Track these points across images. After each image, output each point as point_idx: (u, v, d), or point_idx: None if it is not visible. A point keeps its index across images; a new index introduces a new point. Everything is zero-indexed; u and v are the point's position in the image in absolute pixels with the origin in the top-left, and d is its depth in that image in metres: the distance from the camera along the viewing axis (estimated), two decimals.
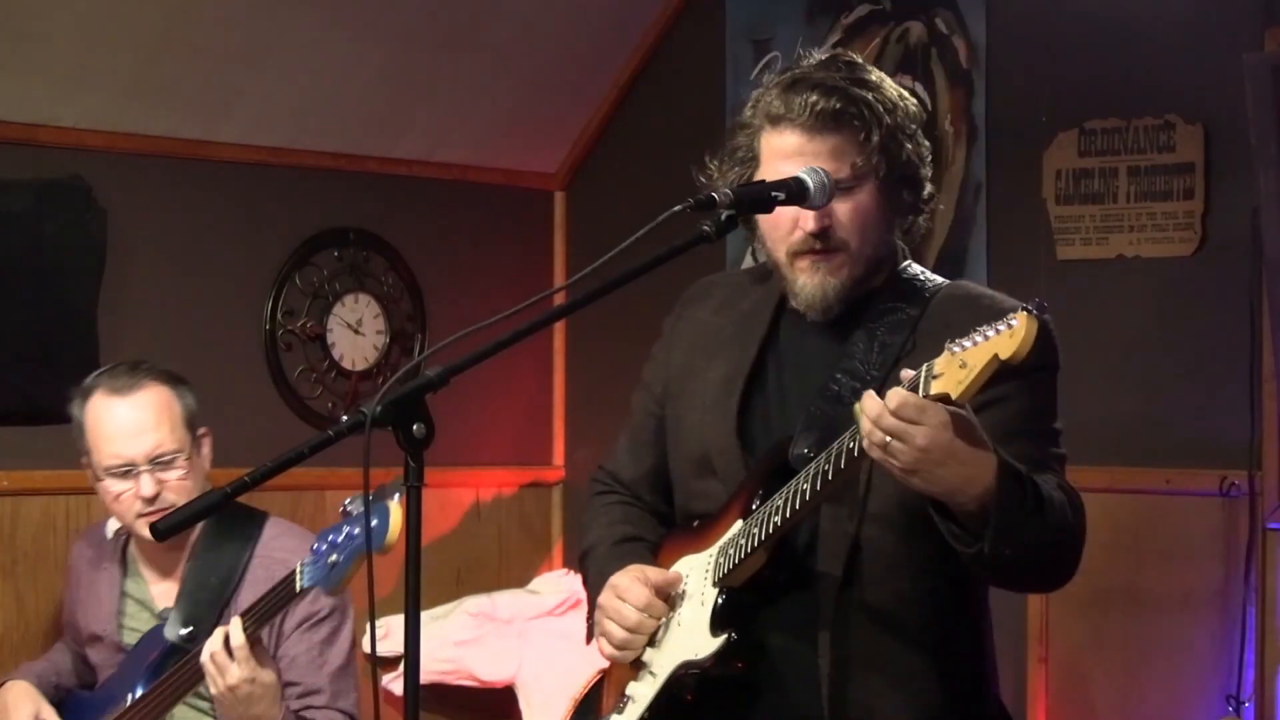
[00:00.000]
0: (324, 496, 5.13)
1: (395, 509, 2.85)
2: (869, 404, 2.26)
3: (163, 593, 3.48)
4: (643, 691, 2.57)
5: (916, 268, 2.63)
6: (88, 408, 3.40)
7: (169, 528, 2.33)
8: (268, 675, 3.16)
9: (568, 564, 5.73)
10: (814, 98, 2.48)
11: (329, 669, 3.38)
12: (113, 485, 3.36)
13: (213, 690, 3.16)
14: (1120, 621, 4.60)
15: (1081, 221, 4.79)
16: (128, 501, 3.35)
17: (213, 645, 3.15)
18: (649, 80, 5.67)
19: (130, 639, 3.47)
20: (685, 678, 2.52)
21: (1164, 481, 4.60)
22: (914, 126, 2.57)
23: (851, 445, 2.31)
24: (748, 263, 5.41)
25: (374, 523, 2.90)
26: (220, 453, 4.77)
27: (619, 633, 2.57)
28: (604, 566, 2.66)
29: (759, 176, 2.54)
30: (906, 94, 2.58)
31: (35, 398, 4.65)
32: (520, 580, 5.58)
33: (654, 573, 2.59)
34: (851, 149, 2.48)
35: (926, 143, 2.59)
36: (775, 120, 2.52)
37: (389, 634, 4.86)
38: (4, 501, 4.67)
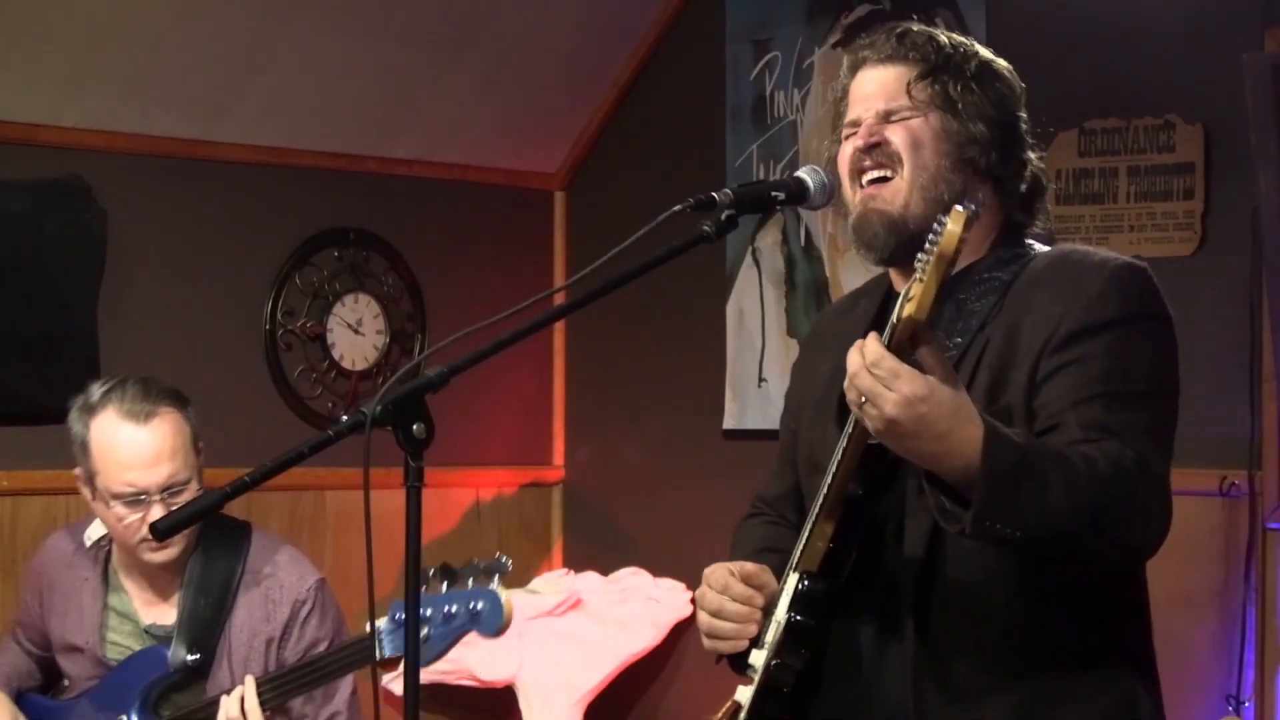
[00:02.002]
0: (324, 496, 5.13)
1: (504, 598, 2.79)
2: (853, 355, 2.18)
3: (147, 605, 3.40)
4: (747, 694, 2.49)
5: (1029, 240, 2.53)
6: (95, 426, 3.26)
7: (168, 528, 2.33)
8: None
9: (568, 564, 5.74)
10: (882, 35, 2.53)
11: (343, 694, 3.35)
12: (120, 510, 3.26)
13: None
14: None
15: (1081, 221, 4.79)
16: (134, 528, 3.26)
17: (229, 711, 3.12)
18: (649, 80, 5.67)
19: (113, 653, 3.40)
20: (784, 673, 2.43)
21: None
22: (996, 79, 2.49)
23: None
24: (748, 263, 5.42)
25: (482, 607, 2.83)
26: (220, 453, 4.76)
27: (702, 618, 2.49)
28: None
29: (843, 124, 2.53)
30: (997, 59, 2.53)
31: (35, 398, 4.65)
32: (520, 580, 5.57)
33: (744, 563, 2.50)
34: (910, 78, 2.47)
35: (1023, 114, 2.52)
36: (854, 69, 2.55)
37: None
38: (4, 501, 4.67)
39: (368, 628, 2.82)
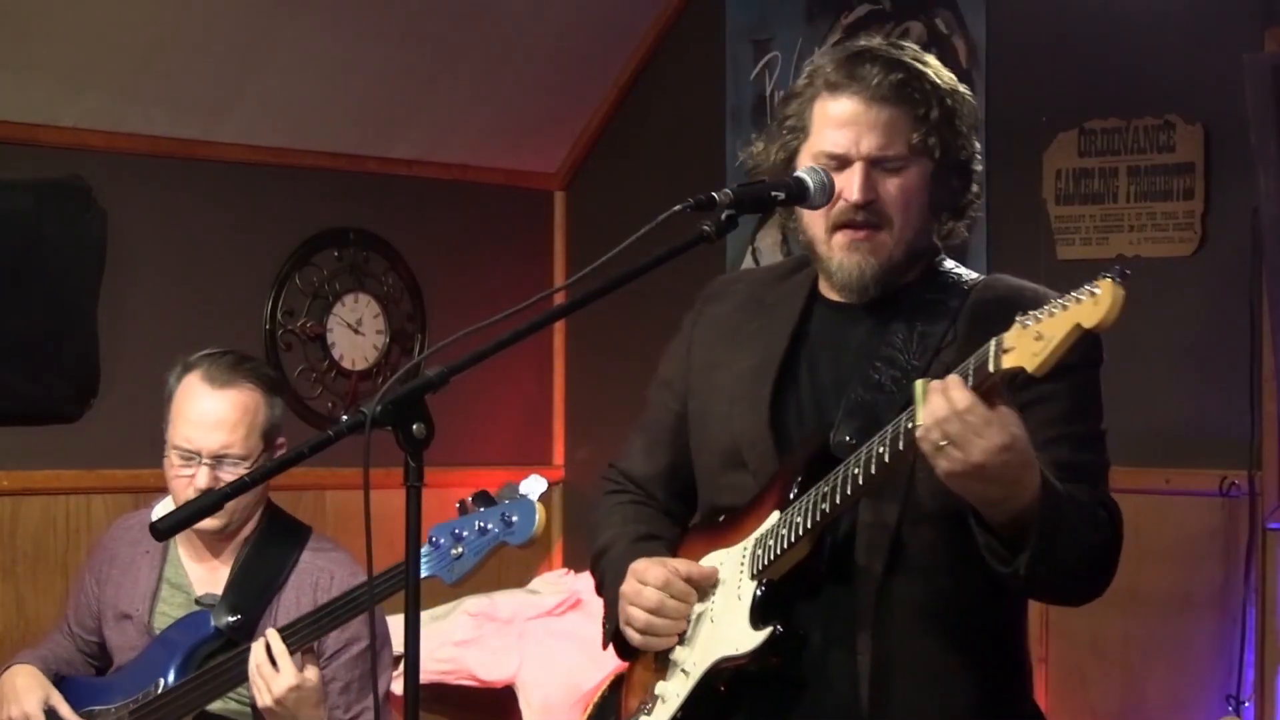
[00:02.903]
0: (324, 496, 5.13)
1: (539, 505, 2.91)
2: (938, 400, 2.22)
3: (201, 579, 3.48)
4: (674, 690, 2.51)
5: (951, 263, 2.57)
6: (182, 383, 3.41)
7: (169, 528, 2.33)
8: (312, 677, 3.19)
9: (568, 564, 5.73)
10: (877, 69, 2.45)
11: (377, 697, 3.39)
12: (176, 462, 3.39)
13: (260, 702, 3.19)
14: (1120, 621, 4.60)
15: (1081, 221, 4.79)
16: (183, 484, 3.37)
17: (256, 657, 3.18)
18: (649, 80, 5.68)
19: (161, 623, 3.46)
20: (723, 673, 2.46)
21: (1164, 481, 4.60)
22: (970, 120, 2.52)
23: (910, 426, 2.25)
24: (748, 263, 5.42)
25: (516, 518, 2.98)
26: None
27: (641, 616, 2.50)
28: (621, 566, 2.59)
29: (806, 147, 2.50)
30: (963, 87, 2.53)
31: (35, 398, 4.65)
32: (520, 580, 5.57)
33: (679, 561, 2.53)
34: (908, 125, 2.44)
35: (978, 144, 2.55)
36: (834, 87, 2.47)
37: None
38: (4, 501, 4.67)
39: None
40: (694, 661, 2.50)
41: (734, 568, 2.49)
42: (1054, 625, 4.70)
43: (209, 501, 2.27)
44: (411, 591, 2.19)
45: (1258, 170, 4.23)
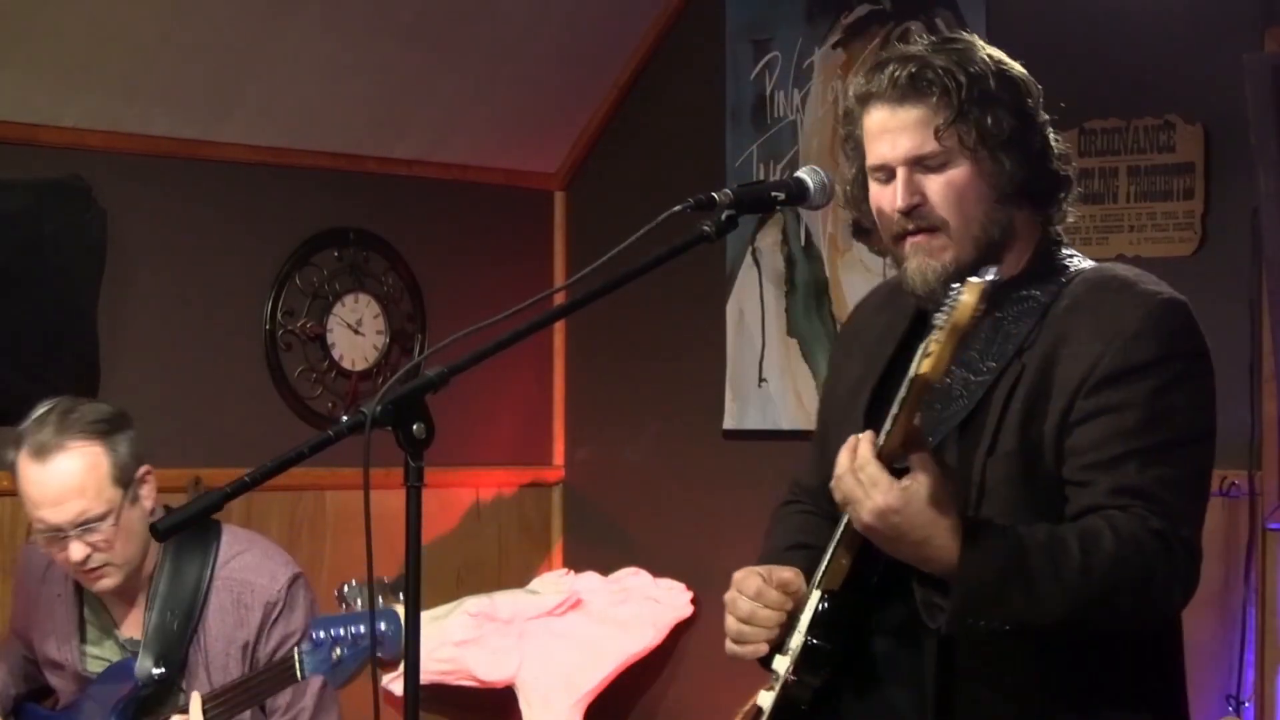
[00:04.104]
0: (324, 496, 5.13)
1: (401, 613, 2.81)
2: (843, 456, 2.23)
3: (124, 617, 3.36)
4: (768, 700, 2.46)
5: (1068, 251, 2.47)
6: (17, 462, 3.23)
7: (168, 529, 2.31)
8: None
9: (568, 564, 5.73)
10: (893, 68, 2.38)
11: (312, 689, 3.30)
12: (43, 541, 3.24)
13: None
14: None
15: (1081, 222, 4.74)
16: (63, 560, 3.24)
17: None
18: (649, 80, 5.67)
19: (95, 666, 3.36)
20: (799, 688, 2.42)
21: None
22: (1017, 93, 2.42)
23: (888, 427, 2.22)
24: (748, 263, 5.42)
25: (383, 627, 2.93)
26: (220, 453, 4.78)
27: (731, 624, 2.46)
28: None
29: (865, 167, 2.44)
30: (1009, 61, 2.45)
31: (35, 398, 4.63)
32: (520, 580, 5.58)
33: (781, 569, 2.47)
34: (934, 118, 2.36)
35: (1045, 115, 2.45)
36: (864, 100, 2.42)
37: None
38: (4, 501, 4.66)
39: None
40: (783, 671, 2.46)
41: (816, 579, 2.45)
42: None
43: (209, 501, 2.26)
44: (411, 592, 2.19)
45: (1258, 170, 4.23)
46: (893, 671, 2.41)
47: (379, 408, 2.17)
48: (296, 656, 3.03)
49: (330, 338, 5.32)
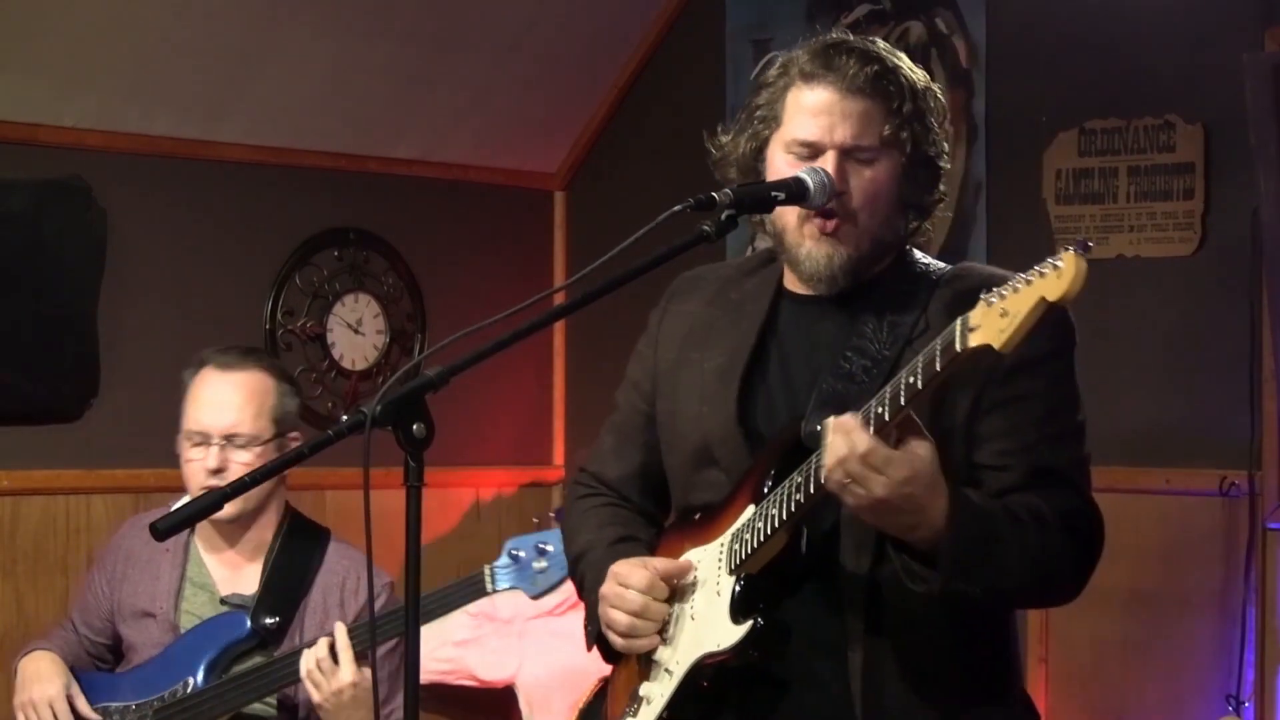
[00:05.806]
0: (324, 496, 5.12)
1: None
2: (837, 444, 2.24)
3: (225, 579, 3.52)
4: (658, 690, 2.51)
5: (919, 254, 2.58)
6: (195, 377, 3.48)
7: (169, 528, 2.32)
8: (365, 678, 3.25)
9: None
10: (853, 61, 2.46)
11: (388, 669, 3.46)
12: (187, 449, 3.44)
13: (315, 697, 3.27)
14: (1120, 621, 4.60)
15: (1081, 221, 4.79)
16: (196, 469, 3.42)
17: (318, 653, 3.26)
18: (649, 80, 5.67)
19: (186, 621, 3.49)
20: (706, 670, 2.45)
21: (1164, 481, 4.61)
22: (940, 118, 2.53)
23: (881, 410, 2.26)
24: None
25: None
26: None
27: (623, 619, 2.50)
28: (601, 569, 2.58)
29: (778, 136, 2.50)
30: (935, 85, 2.55)
31: (35, 398, 4.65)
32: None
33: (659, 561, 2.53)
34: (881, 117, 2.45)
35: (946, 144, 2.55)
36: (809, 77, 2.48)
37: None
38: (4, 501, 4.67)
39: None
40: (677, 660, 2.49)
41: (712, 565, 2.49)
42: (1054, 625, 4.70)
43: (209, 501, 2.27)
44: (411, 592, 2.20)
45: (1258, 170, 4.23)
46: (815, 656, 2.44)
47: (379, 408, 2.17)
48: (487, 572, 3.29)
49: (330, 337, 5.33)
